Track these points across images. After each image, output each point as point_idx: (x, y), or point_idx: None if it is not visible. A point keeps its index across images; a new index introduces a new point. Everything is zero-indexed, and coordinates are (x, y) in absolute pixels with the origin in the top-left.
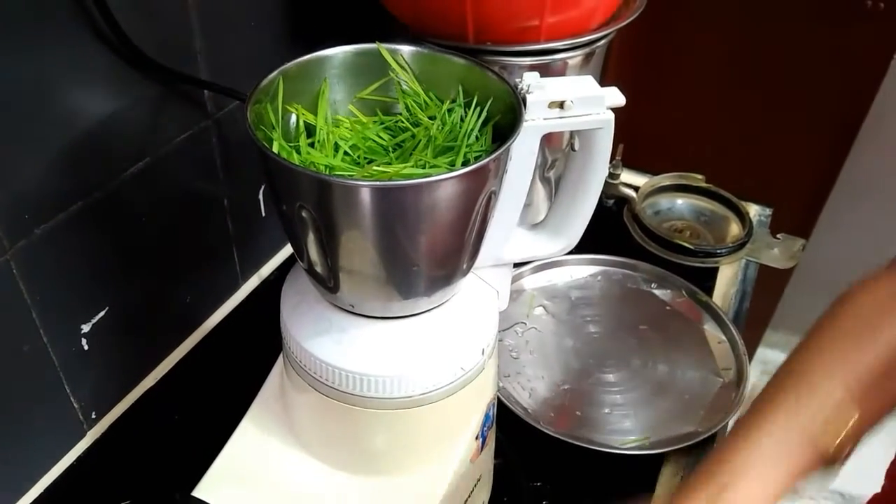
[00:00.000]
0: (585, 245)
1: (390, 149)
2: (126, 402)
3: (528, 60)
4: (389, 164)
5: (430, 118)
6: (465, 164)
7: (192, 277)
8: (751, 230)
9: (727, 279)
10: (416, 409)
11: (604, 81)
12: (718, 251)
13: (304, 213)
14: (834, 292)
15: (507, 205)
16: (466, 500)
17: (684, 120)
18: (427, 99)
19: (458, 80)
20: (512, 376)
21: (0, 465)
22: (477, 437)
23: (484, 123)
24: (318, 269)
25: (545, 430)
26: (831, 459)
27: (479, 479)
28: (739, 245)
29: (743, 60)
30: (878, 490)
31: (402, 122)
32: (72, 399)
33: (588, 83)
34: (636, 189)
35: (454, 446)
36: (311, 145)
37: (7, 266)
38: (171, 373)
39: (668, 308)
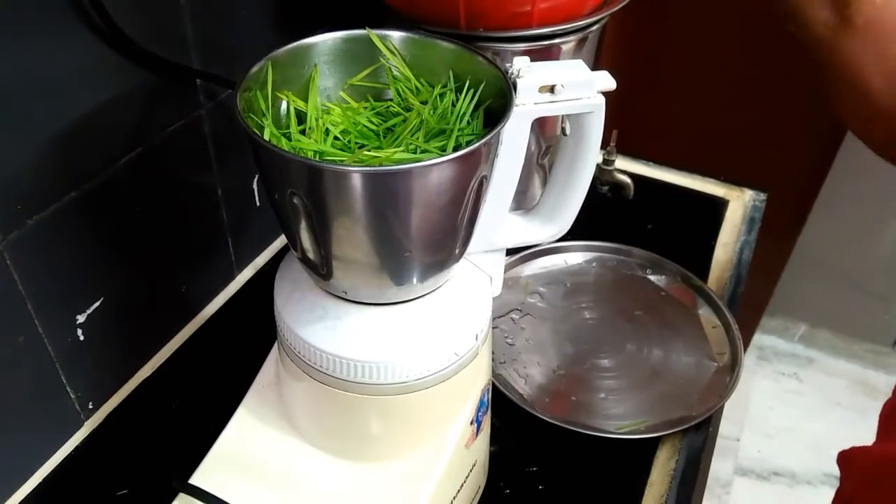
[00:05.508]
0: (580, 231)
1: (381, 133)
2: (123, 392)
3: (520, 46)
4: (380, 148)
5: (422, 103)
6: (456, 148)
7: (188, 267)
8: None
9: (721, 264)
10: (410, 394)
11: (598, 67)
12: None
13: (295, 200)
14: (829, 278)
15: (499, 190)
16: (462, 486)
17: (679, 105)
18: (418, 84)
19: (449, 65)
20: (507, 363)
21: None
22: (472, 423)
23: (475, 108)
24: (311, 256)
25: (541, 416)
26: None
27: (474, 465)
28: None
29: (738, 44)
30: None
31: (394, 107)
32: (68, 390)
33: (578, 67)
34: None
35: (449, 431)
36: (302, 132)
37: (0, 257)
38: (167, 362)
39: (662, 293)
